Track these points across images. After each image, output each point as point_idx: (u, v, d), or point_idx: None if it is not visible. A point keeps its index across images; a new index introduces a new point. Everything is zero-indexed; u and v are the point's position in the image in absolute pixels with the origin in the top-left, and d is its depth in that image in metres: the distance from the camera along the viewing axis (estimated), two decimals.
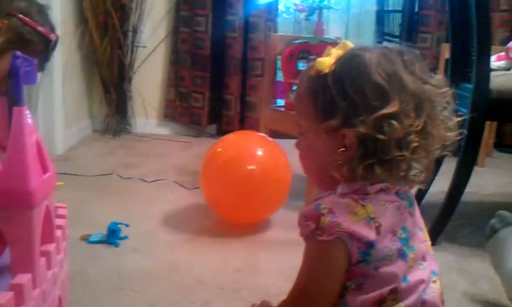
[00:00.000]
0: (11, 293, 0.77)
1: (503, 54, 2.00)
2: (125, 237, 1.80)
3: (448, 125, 0.84)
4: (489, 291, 1.55)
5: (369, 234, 0.79)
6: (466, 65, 1.86)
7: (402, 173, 0.83)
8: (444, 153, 0.86)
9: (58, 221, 1.04)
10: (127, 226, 1.83)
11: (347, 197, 0.81)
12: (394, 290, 0.81)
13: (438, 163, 2.10)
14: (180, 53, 3.48)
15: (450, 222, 1.91)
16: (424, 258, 0.86)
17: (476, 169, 2.93)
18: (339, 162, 0.82)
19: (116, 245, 1.75)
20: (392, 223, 0.82)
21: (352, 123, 0.80)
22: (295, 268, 1.64)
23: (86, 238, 1.79)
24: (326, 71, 0.83)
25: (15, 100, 0.87)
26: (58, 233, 1.01)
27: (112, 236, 1.77)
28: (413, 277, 0.83)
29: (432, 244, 1.88)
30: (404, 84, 0.81)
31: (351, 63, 0.82)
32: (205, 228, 1.97)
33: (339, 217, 0.79)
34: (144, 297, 1.43)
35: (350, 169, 0.82)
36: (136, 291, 1.47)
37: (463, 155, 1.83)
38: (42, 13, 1.57)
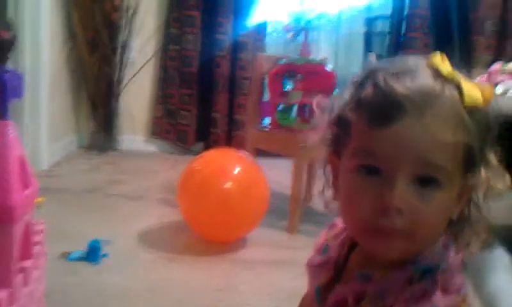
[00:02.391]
0: None
1: (486, 77, 2.02)
2: (106, 255, 1.78)
3: None
4: None
5: None
6: None
7: None
8: None
9: (36, 237, 1.03)
10: (108, 243, 1.82)
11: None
12: None
13: None
14: (168, 70, 3.49)
15: None
16: None
17: None
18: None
19: (97, 262, 1.74)
20: None
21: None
22: (275, 287, 1.65)
23: (66, 255, 1.77)
24: (481, 105, 0.61)
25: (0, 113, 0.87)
26: (36, 249, 1.00)
27: (93, 253, 1.75)
28: None
29: None
30: None
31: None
32: (186, 245, 1.97)
33: None
34: None
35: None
36: None
37: None
38: None
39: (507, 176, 0.63)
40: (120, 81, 3.41)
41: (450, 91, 0.60)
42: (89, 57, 3.28)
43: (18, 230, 0.87)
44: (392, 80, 0.60)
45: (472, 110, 0.60)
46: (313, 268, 0.73)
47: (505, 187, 0.63)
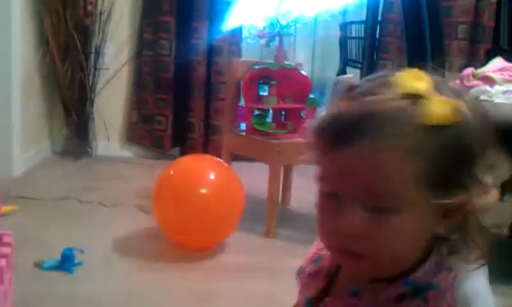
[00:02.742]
0: None
1: (458, 81, 2.04)
2: (79, 263, 1.76)
3: None
4: None
5: None
6: None
7: None
8: None
9: (3, 249, 1.00)
10: (81, 251, 1.79)
11: None
12: None
13: None
14: (143, 76, 3.45)
15: None
16: None
17: None
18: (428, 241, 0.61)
19: (70, 271, 1.71)
20: None
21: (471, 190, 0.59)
22: (253, 292, 1.64)
23: (39, 265, 1.74)
24: (446, 123, 0.57)
25: None
26: (2, 262, 0.98)
27: (66, 262, 1.72)
28: None
29: None
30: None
31: (474, 109, 0.59)
32: (162, 253, 1.94)
33: None
34: None
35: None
36: None
37: None
38: None
39: (494, 192, 0.61)
40: (93, 87, 3.37)
41: (408, 111, 0.57)
42: (62, 63, 3.23)
43: None
44: (344, 104, 0.59)
45: (438, 128, 0.57)
46: (305, 278, 0.72)
47: (491, 204, 0.60)
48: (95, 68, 3.35)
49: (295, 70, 2.35)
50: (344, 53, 4.31)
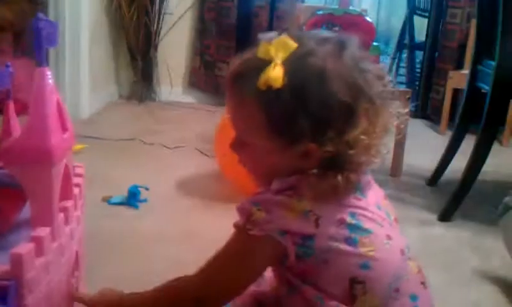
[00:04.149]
0: (31, 245, 0.81)
1: None
2: (145, 200, 1.85)
3: (393, 112, 0.83)
4: (500, 268, 1.56)
5: (306, 227, 0.78)
6: (491, 42, 1.83)
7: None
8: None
9: (76, 180, 1.07)
10: (147, 189, 1.87)
11: (283, 195, 0.80)
12: (354, 279, 0.78)
13: (458, 140, 2.08)
14: (206, 21, 3.48)
15: (467, 199, 1.90)
16: (388, 237, 0.82)
17: (499, 148, 2.91)
18: (296, 171, 0.81)
19: (136, 207, 1.80)
20: (334, 212, 0.79)
21: (318, 140, 0.77)
22: None
23: (107, 200, 1.84)
24: (279, 86, 0.75)
25: (36, 60, 0.88)
26: (76, 190, 1.05)
27: (132, 198, 1.81)
28: (376, 261, 0.78)
29: (448, 220, 1.89)
30: (365, 93, 0.78)
31: (308, 76, 0.76)
32: (221, 193, 2.00)
33: (273, 214, 0.79)
34: (158, 258, 1.48)
35: (307, 177, 0.80)
36: (151, 251, 1.51)
37: (482, 133, 1.81)
38: None
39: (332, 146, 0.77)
40: (158, 32, 3.43)
41: (251, 73, 0.77)
42: (128, 8, 3.30)
43: (57, 171, 0.89)
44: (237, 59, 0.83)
45: (268, 90, 0.75)
46: None
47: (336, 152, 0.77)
48: (160, 13, 3.40)
49: (360, 16, 2.31)
50: (411, 1, 4.17)
